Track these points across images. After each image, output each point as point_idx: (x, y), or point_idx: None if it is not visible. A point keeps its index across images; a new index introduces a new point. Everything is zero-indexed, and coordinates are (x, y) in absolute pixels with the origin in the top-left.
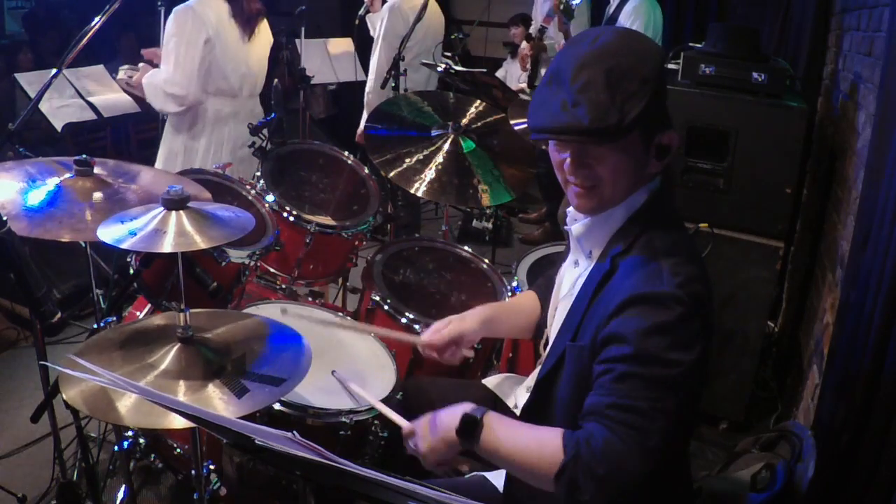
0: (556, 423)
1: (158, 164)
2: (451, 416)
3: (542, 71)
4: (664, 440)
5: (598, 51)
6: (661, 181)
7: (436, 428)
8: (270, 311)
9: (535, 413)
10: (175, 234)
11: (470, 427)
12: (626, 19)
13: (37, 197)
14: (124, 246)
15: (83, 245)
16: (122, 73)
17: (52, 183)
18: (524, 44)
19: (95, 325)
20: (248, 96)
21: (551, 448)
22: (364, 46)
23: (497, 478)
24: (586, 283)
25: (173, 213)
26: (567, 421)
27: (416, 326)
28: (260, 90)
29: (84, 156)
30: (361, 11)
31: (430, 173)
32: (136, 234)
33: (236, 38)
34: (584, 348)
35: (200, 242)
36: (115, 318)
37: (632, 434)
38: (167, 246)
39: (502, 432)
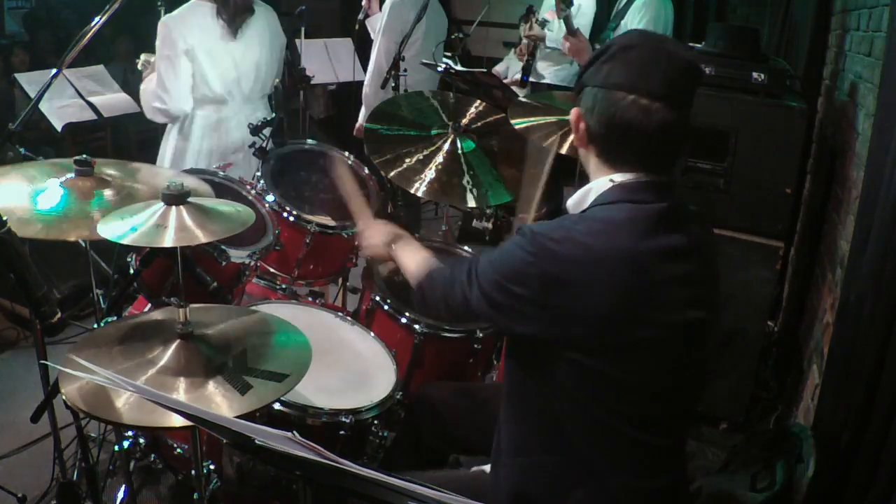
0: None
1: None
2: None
3: (538, 64)
4: (450, 295)
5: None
6: (636, 178)
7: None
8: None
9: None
10: (176, 228)
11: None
12: (635, 14)
13: (38, 198)
14: (125, 242)
15: (83, 245)
16: (142, 61)
17: (52, 183)
18: (523, 30)
19: (95, 325)
20: (242, 101)
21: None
22: (364, 51)
23: None
24: None
25: (173, 207)
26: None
27: (416, 327)
28: (262, 93)
29: (84, 156)
30: (361, 16)
31: (430, 173)
32: (136, 230)
33: (220, 39)
34: None
35: (201, 237)
36: (115, 318)
37: (448, 278)
38: (168, 241)
39: (405, 244)
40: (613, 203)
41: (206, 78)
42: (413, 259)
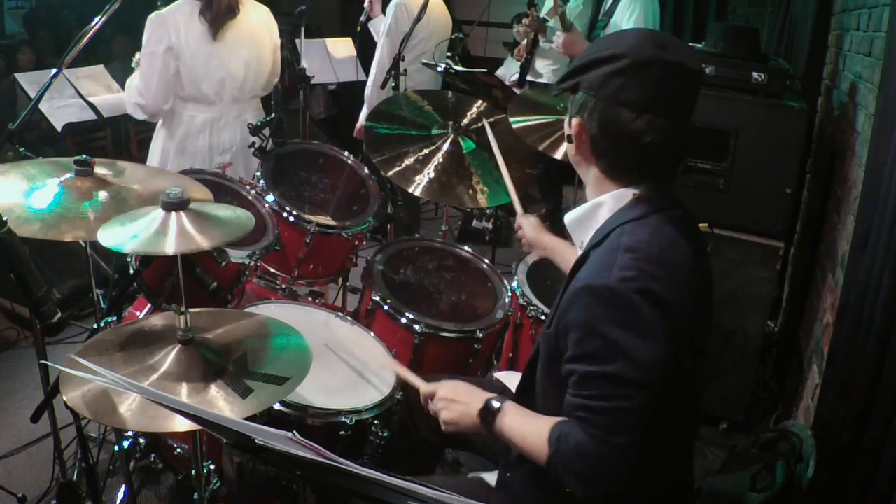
0: (538, 404)
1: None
2: (475, 397)
3: (536, 63)
4: (633, 436)
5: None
6: (654, 187)
7: (459, 403)
8: (272, 310)
9: (523, 395)
10: (176, 235)
11: (489, 413)
12: (624, 10)
13: (37, 197)
14: (126, 250)
15: (83, 245)
16: (136, 59)
17: (52, 183)
18: (525, 25)
19: (95, 325)
20: (230, 102)
21: (541, 441)
22: (367, 52)
23: (494, 479)
24: (569, 275)
25: (174, 214)
26: (544, 402)
27: (416, 327)
28: (254, 94)
29: (84, 156)
30: (363, 18)
31: (430, 173)
32: (137, 237)
33: (203, 39)
34: (550, 336)
35: (202, 243)
36: (115, 318)
37: (598, 434)
38: (169, 248)
39: (509, 421)
40: (644, 218)
41: (193, 77)
42: (521, 436)
